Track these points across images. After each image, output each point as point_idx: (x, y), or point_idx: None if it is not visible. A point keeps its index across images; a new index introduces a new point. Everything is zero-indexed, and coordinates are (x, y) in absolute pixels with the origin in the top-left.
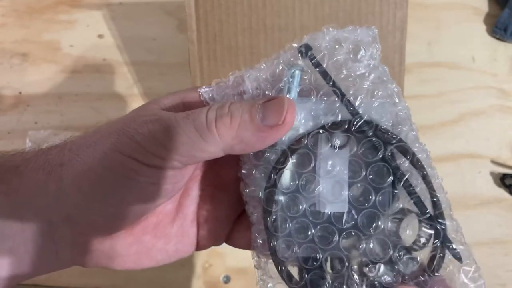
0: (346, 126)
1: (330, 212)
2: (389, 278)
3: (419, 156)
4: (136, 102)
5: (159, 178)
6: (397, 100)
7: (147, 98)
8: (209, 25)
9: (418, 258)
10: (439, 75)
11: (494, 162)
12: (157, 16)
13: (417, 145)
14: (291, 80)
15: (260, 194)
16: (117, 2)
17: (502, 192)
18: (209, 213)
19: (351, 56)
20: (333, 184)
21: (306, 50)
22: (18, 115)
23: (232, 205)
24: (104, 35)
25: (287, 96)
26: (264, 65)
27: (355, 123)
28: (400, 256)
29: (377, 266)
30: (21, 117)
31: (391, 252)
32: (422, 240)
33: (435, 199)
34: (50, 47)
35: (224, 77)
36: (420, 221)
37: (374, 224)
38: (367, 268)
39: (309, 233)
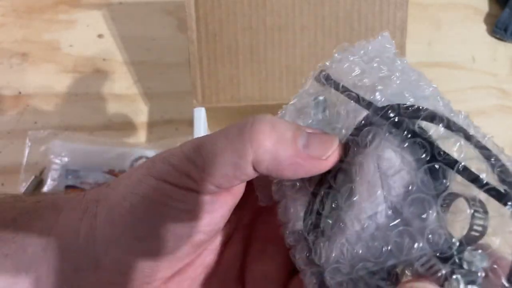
0: (370, 120)
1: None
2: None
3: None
4: (136, 102)
5: (194, 205)
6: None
7: (147, 98)
8: (209, 25)
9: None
10: (439, 75)
11: None
12: (157, 16)
13: (452, 114)
14: (316, 109)
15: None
16: (117, 2)
17: None
18: (258, 270)
19: (369, 65)
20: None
21: (323, 76)
22: (18, 115)
23: (286, 261)
24: (104, 35)
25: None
26: (295, 99)
27: (379, 112)
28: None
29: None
30: (20, 117)
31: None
32: (478, 228)
33: (492, 160)
34: (50, 47)
35: (224, 77)
36: (473, 205)
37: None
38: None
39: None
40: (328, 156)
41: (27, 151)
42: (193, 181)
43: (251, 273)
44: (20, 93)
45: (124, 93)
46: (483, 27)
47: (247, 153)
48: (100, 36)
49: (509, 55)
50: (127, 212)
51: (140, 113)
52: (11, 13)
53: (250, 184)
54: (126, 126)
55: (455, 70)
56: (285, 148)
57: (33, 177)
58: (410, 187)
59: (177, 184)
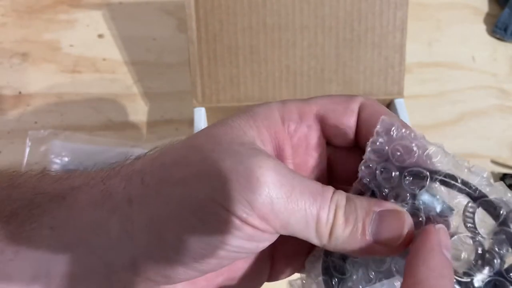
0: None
1: None
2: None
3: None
4: (136, 102)
5: (256, 240)
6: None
7: (147, 98)
8: (209, 25)
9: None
10: (439, 75)
11: (494, 162)
12: (157, 16)
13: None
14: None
15: None
16: (117, 2)
17: None
18: (287, 247)
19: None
20: None
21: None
22: (18, 115)
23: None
24: (104, 34)
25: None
26: None
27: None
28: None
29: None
30: (21, 117)
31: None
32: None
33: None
34: (50, 47)
35: (224, 77)
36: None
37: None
38: None
39: None
40: (400, 243)
41: (27, 151)
42: (266, 224)
43: (280, 249)
44: (20, 93)
45: (124, 93)
46: (483, 27)
47: (324, 240)
48: (100, 36)
49: (509, 55)
50: (183, 233)
51: (140, 113)
52: (11, 13)
53: None
54: (126, 126)
55: (455, 70)
56: (355, 240)
57: None
58: None
59: (246, 221)
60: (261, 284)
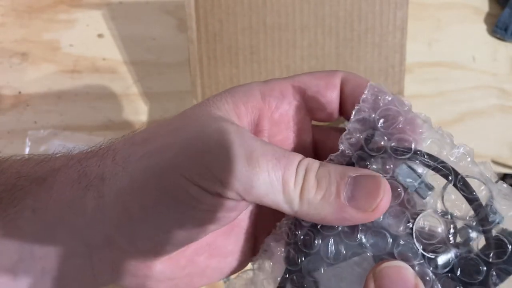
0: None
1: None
2: None
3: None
4: (136, 101)
5: (221, 208)
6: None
7: (147, 97)
8: (209, 25)
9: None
10: (440, 75)
11: (494, 162)
12: (157, 15)
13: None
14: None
15: None
16: (117, 2)
17: None
18: (269, 223)
19: None
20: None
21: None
22: (17, 114)
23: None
24: (104, 34)
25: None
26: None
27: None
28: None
29: None
30: (20, 116)
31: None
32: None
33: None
34: (50, 47)
35: (224, 77)
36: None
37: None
38: None
39: None
40: (375, 207)
41: (27, 151)
42: (228, 190)
43: (262, 227)
44: (20, 93)
45: (124, 93)
46: (483, 27)
47: (295, 205)
48: (100, 36)
49: (509, 55)
50: (148, 206)
51: (140, 113)
52: (11, 12)
53: None
54: (126, 126)
55: (455, 70)
56: (330, 205)
57: None
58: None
59: (209, 190)
60: (246, 263)
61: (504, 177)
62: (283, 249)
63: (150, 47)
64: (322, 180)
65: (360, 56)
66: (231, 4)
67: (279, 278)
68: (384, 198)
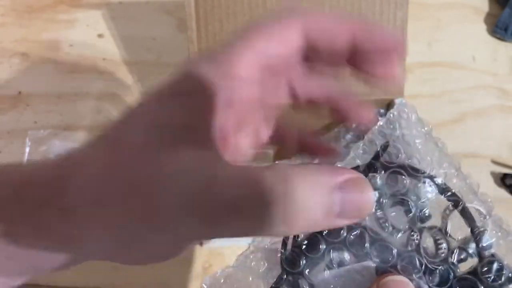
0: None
1: None
2: None
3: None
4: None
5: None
6: None
7: None
8: (209, 25)
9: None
10: (440, 75)
11: (494, 162)
12: (157, 15)
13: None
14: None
15: None
16: (117, 2)
17: (502, 192)
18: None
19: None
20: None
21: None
22: (17, 114)
23: None
24: (104, 34)
25: None
26: None
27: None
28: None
29: None
30: (20, 116)
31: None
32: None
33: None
34: (50, 47)
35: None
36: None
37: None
38: None
39: None
40: (363, 214)
41: (27, 151)
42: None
43: None
44: (20, 93)
45: (124, 92)
46: (483, 27)
47: (285, 230)
48: (100, 35)
49: (510, 55)
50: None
51: None
52: (11, 12)
53: None
54: None
55: (455, 70)
56: (322, 222)
57: None
58: None
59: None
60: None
61: (504, 177)
62: (282, 250)
63: (150, 47)
64: (312, 207)
65: None
66: (231, 4)
67: (271, 280)
68: (371, 203)
